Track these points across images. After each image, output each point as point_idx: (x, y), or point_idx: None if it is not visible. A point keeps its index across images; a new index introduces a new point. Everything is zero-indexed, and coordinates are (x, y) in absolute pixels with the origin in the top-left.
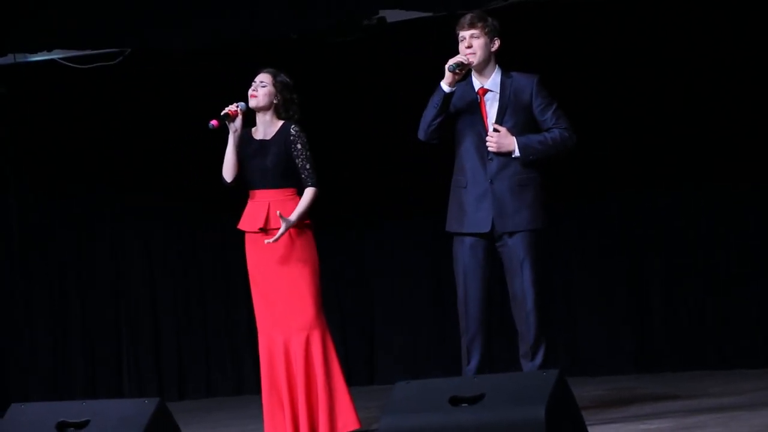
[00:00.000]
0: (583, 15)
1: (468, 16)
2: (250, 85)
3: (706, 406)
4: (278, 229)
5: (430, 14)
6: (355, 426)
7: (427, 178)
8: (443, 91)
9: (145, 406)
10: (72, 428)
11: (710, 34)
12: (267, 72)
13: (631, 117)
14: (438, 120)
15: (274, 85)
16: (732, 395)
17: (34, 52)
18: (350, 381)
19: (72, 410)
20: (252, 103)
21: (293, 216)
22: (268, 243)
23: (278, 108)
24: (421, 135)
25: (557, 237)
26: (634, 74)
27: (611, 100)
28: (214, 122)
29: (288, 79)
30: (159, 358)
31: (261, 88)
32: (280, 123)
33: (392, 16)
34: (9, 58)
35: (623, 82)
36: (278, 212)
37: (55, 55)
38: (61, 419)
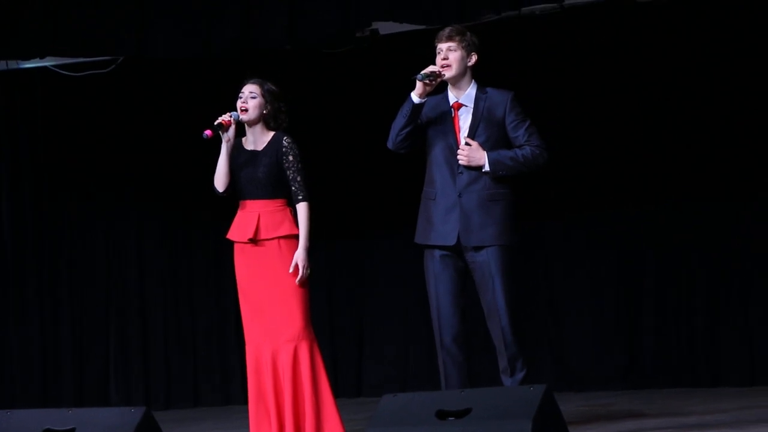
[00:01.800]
0: (576, 29)
1: (447, 29)
2: (238, 96)
3: (691, 423)
4: (269, 239)
5: (422, 27)
6: None
7: (418, 190)
8: (412, 101)
9: (132, 414)
10: None
11: (693, 49)
12: (254, 83)
13: (622, 131)
14: (406, 130)
15: (263, 95)
16: (717, 413)
17: (27, 59)
18: (338, 393)
19: (58, 418)
20: (244, 117)
21: (301, 242)
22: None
23: (267, 118)
24: (389, 144)
25: (546, 251)
26: (624, 88)
27: (604, 114)
28: (208, 132)
29: (275, 88)
30: (147, 367)
31: (251, 100)
32: (271, 133)
33: (385, 28)
34: (2, 65)
35: (613, 96)
36: (290, 269)
37: (48, 62)
38: (47, 427)
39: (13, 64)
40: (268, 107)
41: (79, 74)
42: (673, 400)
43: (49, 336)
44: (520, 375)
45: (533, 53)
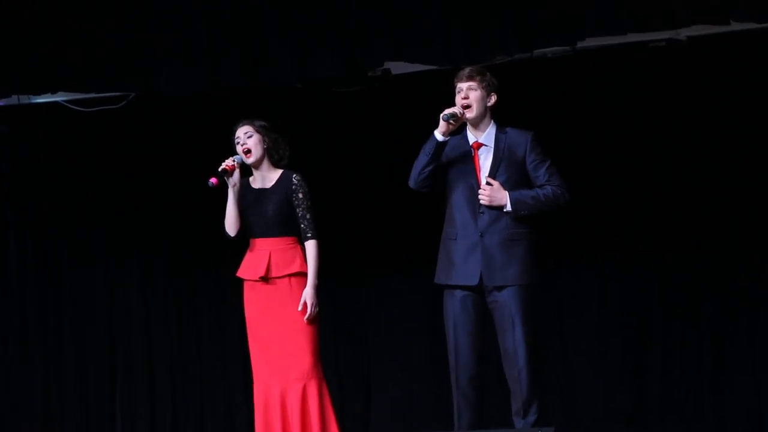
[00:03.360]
0: (587, 73)
1: (467, 69)
2: (235, 142)
3: None
4: (280, 277)
5: (434, 67)
6: None
7: (428, 230)
8: (436, 139)
9: None
10: None
11: (704, 93)
12: (244, 123)
13: (629, 175)
14: (429, 168)
15: (258, 131)
16: None
17: (39, 93)
18: (345, 430)
19: None
20: (250, 159)
21: (310, 280)
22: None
23: (270, 152)
24: (411, 183)
25: (553, 293)
26: (636, 131)
27: (614, 157)
28: (213, 180)
29: (264, 122)
30: (153, 404)
31: (249, 140)
32: (280, 171)
33: (397, 68)
34: (13, 99)
35: (625, 138)
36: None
37: (60, 97)
38: None
39: (24, 99)
40: (267, 140)
41: (90, 110)
42: None
43: (52, 367)
44: (532, 418)
45: (545, 95)
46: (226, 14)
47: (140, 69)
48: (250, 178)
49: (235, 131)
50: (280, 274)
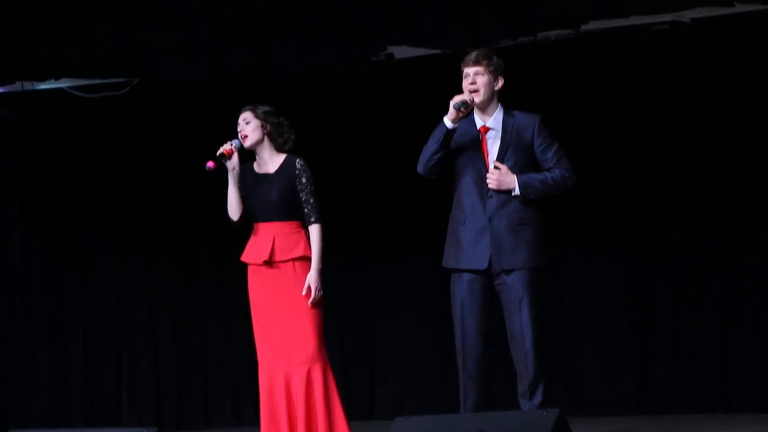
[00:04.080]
0: (591, 56)
1: (474, 53)
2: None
3: None
4: (284, 261)
5: (437, 51)
6: None
7: (433, 214)
8: (446, 126)
9: None
10: None
11: (708, 75)
12: (246, 110)
13: (635, 156)
14: (438, 155)
15: (257, 116)
16: None
17: (42, 80)
18: (350, 415)
19: None
20: (247, 143)
21: (314, 264)
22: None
23: (272, 136)
24: (420, 169)
25: (559, 276)
26: (641, 114)
27: (619, 140)
28: (210, 164)
29: (268, 108)
30: (158, 389)
31: (247, 126)
32: (283, 156)
33: (400, 52)
34: (17, 86)
35: (630, 121)
36: (303, 291)
37: (63, 83)
38: None
39: (28, 85)
40: (267, 125)
41: (93, 95)
42: (686, 426)
43: (60, 359)
44: (538, 400)
45: (549, 79)
46: (230, 1)
47: (144, 56)
48: (254, 163)
49: (238, 116)
50: (284, 258)
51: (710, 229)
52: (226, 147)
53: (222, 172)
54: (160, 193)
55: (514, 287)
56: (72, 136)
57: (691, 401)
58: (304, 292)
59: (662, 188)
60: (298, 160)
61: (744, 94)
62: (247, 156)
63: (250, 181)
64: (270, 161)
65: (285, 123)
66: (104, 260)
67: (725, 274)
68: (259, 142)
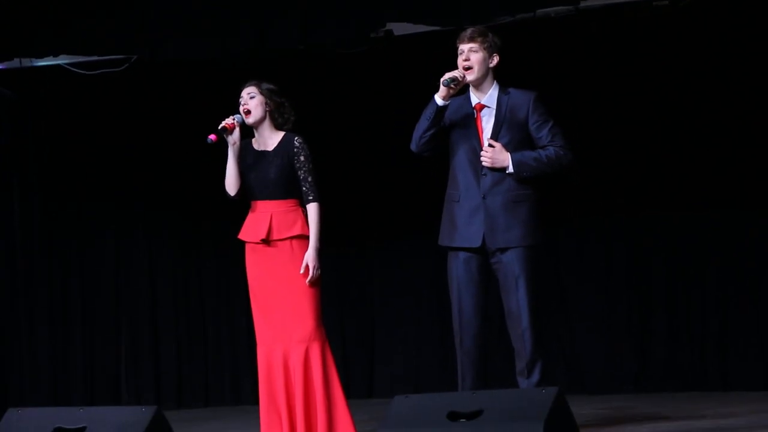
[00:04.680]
0: (591, 32)
1: (468, 30)
2: (239, 102)
3: (704, 427)
4: (281, 239)
5: (437, 28)
6: None
7: (431, 193)
8: (436, 104)
9: (143, 413)
10: None
11: (708, 52)
12: (251, 84)
13: (635, 135)
14: (430, 132)
15: (262, 92)
16: (730, 417)
17: (41, 56)
18: (349, 394)
19: (69, 416)
20: (249, 119)
21: (311, 242)
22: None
23: (273, 115)
24: (413, 146)
25: (558, 255)
26: (639, 92)
27: (617, 117)
28: (212, 137)
29: (272, 85)
30: (158, 367)
31: (251, 101)
32: (282, 134)
33: (399, 29)
34: (15, 63)
35: (629, 99)
36: (301, 270)
37: (62, 60)
38: (58, 425)
39: (26, 62)
40: (270, 103)
41: (91, 72)
42: (687, 404)
43: (59, 336)
44: (536, 378)
45: (548, 55)
46: None
47: (144, 33)
48: (252, 140)
49: (242, 90)
50: (282, 237)
51: (709, 209)
52: (228, 121)
53: (221, 147)
54: (159, 169)
55: (511, 266)
56: (71, 112)
57: (689, 380)
58: (302, 271)
59: (662, 167)
60: (296, 138)
61: (743, 73)
62: (247, 132)
63: (248, 158)
64: (269, 139)
65: (287, 104)
66: (104, 237)
67: (724, 254)
68: (262, 120)
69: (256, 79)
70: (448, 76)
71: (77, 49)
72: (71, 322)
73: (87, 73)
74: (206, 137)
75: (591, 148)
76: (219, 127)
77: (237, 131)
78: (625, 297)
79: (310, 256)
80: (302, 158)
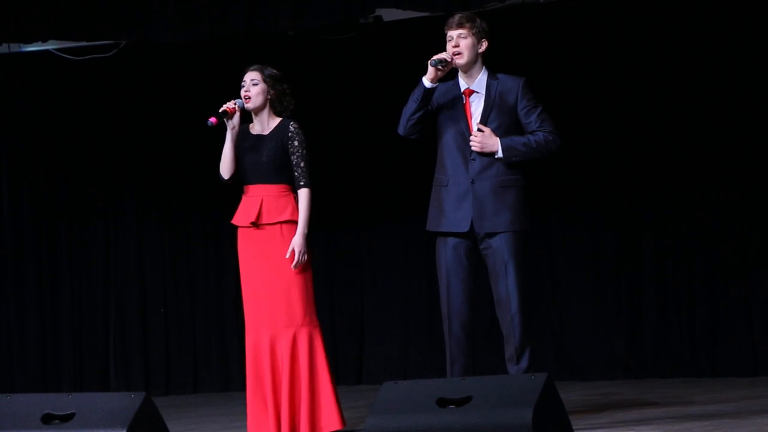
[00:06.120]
0: (580, 18)
1: (457, 16)
2: (241, 85)
3: (693, 413)
4: (271, 224)
5: (426, 14)
6: (338, 426)
7: (422, 178)
8: (424, 86)
9: (131, 400)
10: (57, 420)
11: (698, 39)
12: (254, 69)
13: (624, 122)
14: (417, 115)
15: (265, 80)
16: (719, 403)
17: (29, 42)
18: (338, 380)
19: (57, 403)
20: (249, 105)
21: (299, 228)
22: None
23: (273, 102)
24: (400, 129)
25: (548, 241)
26: (628, 78)
27: (606, 104)
28: (212, 120)
29: (275, 72)
30: (146, 353)
31: (253, 87)
32: (279, 119)
33: (389, 15)
34: (3, 48)
35: (617, 85)
36: (287, 255)
37: (50, 45)
38: (47, 411)
39: (14, 47)
40: (272, 92)
41: (80, 58)
42: (677, 390)
43: (48, 322)
44: (525, 363)
45: (537, 42)
46: None
47: (133, 17)
48: (251, 125)
49: (244, 74)
50: (272, 221)
51: (699, 194)
52: (229, 105)
53: (216, 130)
54: (149, 152)
55: (500, 251)
56: (61, 97)
57: (678, 366)
58: (287, 256)
59: (652, 154)
60: (291, 123)
61: (730, 58)
62: (246, 117)
63: (244, 142)
64: (266, 124)
65: (288, 91)
66: (93, 221)
67: (713, 241)
68: (262, 107)
69: (260, 63)
70: (436, 57)
71: (65, 35)
72: (59, 309)
73: (75, 58)
74: (206, 120)
75: (580, 132)
76: (219, 111)
77: (237, 116)
78: (614, 283)
79: (296, 242)
80: (296, 143)
